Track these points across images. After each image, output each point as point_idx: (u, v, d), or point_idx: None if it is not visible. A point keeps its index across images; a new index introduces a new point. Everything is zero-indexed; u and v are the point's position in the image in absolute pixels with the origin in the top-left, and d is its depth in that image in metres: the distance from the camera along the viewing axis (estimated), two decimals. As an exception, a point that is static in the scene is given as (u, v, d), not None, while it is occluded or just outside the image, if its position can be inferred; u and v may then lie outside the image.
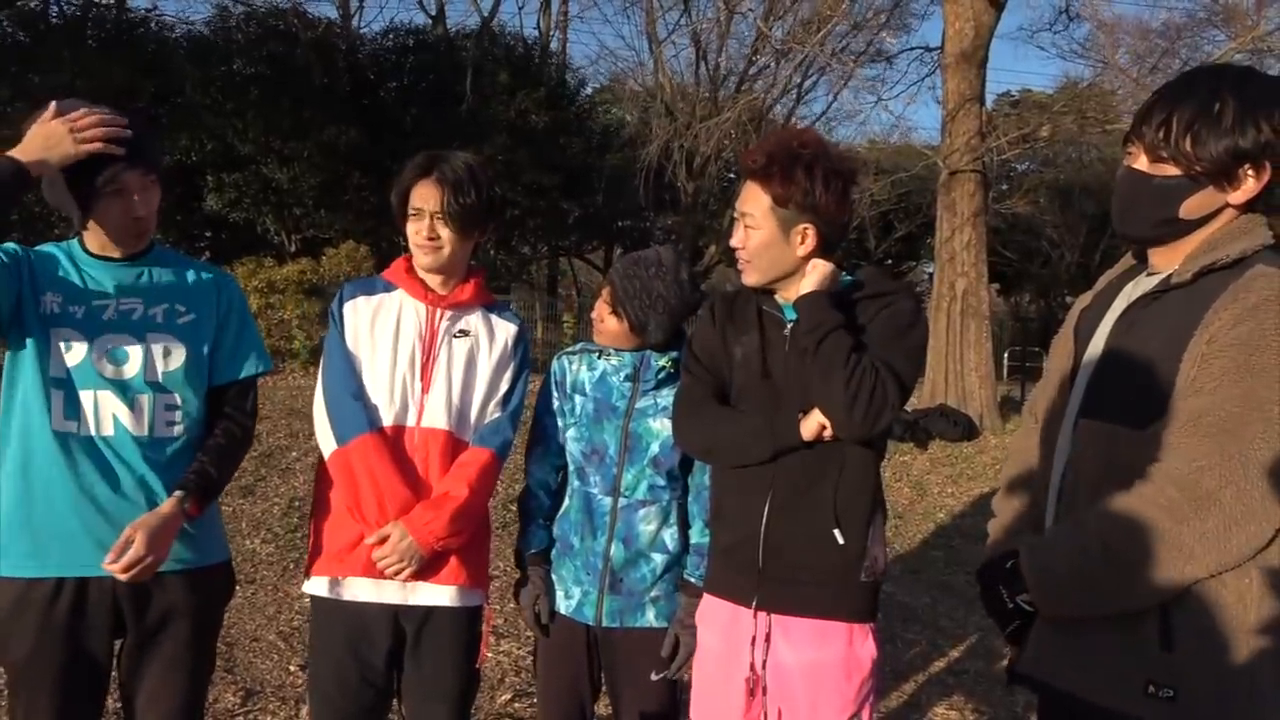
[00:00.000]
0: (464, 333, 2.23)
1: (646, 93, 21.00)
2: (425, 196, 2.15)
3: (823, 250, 1.91)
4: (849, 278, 1.96)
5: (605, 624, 2.23)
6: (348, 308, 2.22)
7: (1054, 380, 1.70)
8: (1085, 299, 1.74)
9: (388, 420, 2.14)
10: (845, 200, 1.90)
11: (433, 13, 22.07)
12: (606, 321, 2.28)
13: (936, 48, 13.12)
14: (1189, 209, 1.48)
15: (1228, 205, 1.47)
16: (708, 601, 2.08)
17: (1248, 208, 1.49)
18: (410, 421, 2.16)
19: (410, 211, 2.18)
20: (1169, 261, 1.53)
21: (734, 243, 1.95)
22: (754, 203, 1.89)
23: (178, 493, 1.93)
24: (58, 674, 1.90)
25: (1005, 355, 19.22)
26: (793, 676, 1.93)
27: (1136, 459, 1.44)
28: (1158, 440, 1.42)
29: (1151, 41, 17.74)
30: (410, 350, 2.18)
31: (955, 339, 10.98)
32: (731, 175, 22.99)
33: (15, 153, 1.76)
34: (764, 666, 1.94)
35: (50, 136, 1.77)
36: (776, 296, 1.99)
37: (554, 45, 23.00)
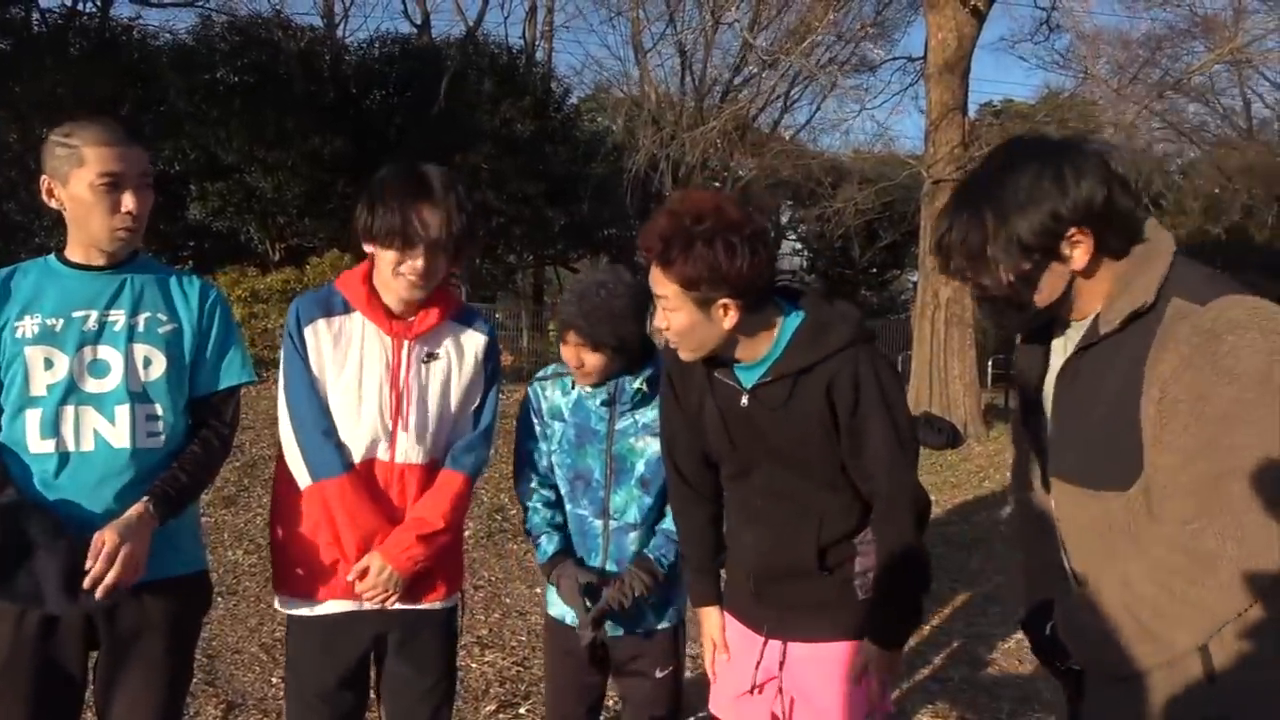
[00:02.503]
0: (432, 356, 2.14)
1: (632, 102, 21.04)
2: (429, 224, 1.98)
3: (751, 309, 1.80)
4: (794, 315, 1.85)
5: (608, 633, 2.26)
6: (308, 332, 2.09)
7: (1018, 427, 1.71)
8: (1018, 339, 1.73)
9: (358, 456, 2.08)
10: (756, 260, 1.75)
11: (418, 22, 22.08)
12: (588, 362, 2.19)
13: (919, 58, 13.22)
14: (1042, 298, 1.48)
15: (1076, 274, 1.45)
16: (726, 615, 2.12)
17: (1103, 256, 1.45)
18: (383, 455, 2.10)
19: (409, 243, 1.99)
20: (1086, 308, 1.51)
21: (657, 322, 1.86)
22: (663, 286, 1.78)
23: (145, 499, 1.90)
24: (31, 686, 1.88)
25: (989, 363, 19.29)
26: (808, 668, 1.96)
27: (1132, 518, 1.45)
28: (1146, 499, 1.43)
29: (1132, 52, 17.91)
30: (378, 382, 2.09)
31: (939, 347, 11.03)
32: (717, 184, 23.05)
33: None
34: (781, 668, 1.97)
35: None
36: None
37: (539, 54, 23.04)
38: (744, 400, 1.87)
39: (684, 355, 1.87)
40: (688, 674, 2.51)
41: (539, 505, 2.32)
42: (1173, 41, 17.95)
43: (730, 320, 1.78)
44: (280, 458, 2.16)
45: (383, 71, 17.84)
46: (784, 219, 27.96)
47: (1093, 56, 14.75)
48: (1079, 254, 1.42)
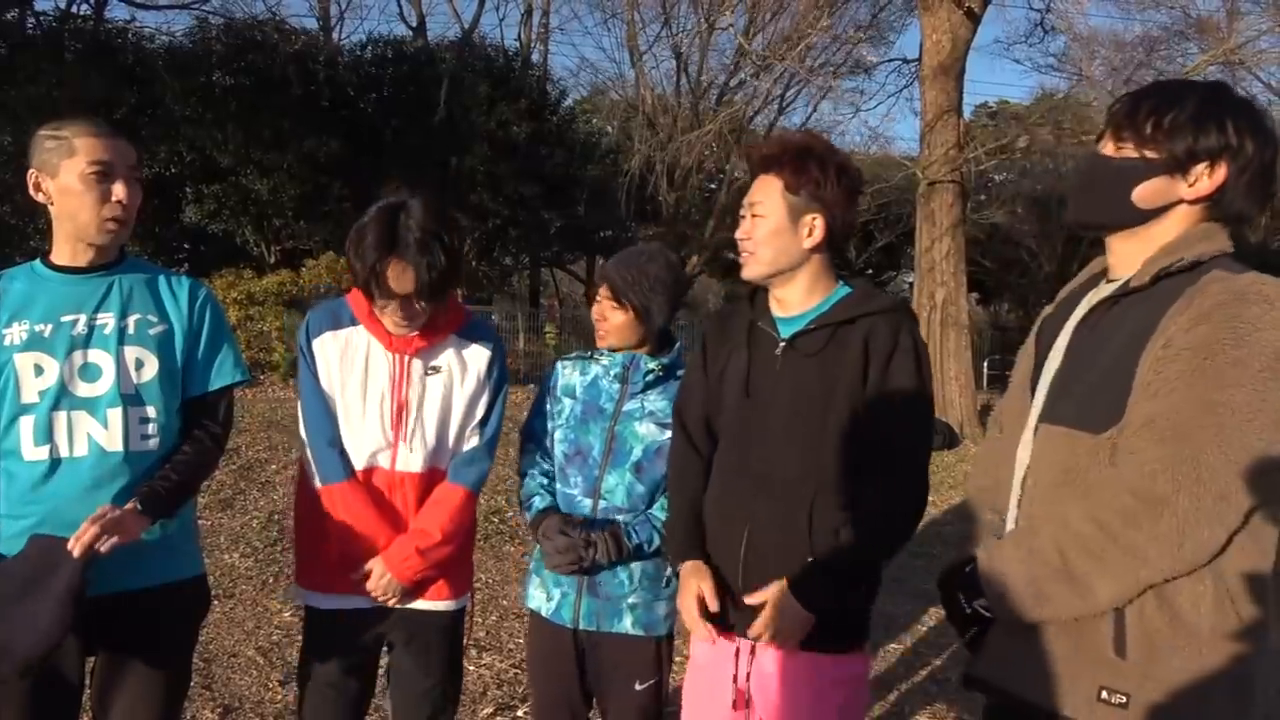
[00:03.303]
0: (436, 369, 2.20)
1: (627, 104, 21.08)
2: (399, 279, 2.02)
3: (827, 248, 1.92)
4: (845, 288, 1.97)
5: (582, 625, 2.24)
6: (316, 345, 2.18)
7: (1017, 388, 1.71)
8: (1049, 308, 1.77)
9: (360, 464, 2.16)
10: (852, 199, 1.93)
11: (413, 25, 22.10)
12: (610, 318, 2.27)
13: (914, 60, 13.25)
14: (1142, 195, 1.50)
15: (1181, 201, 1.49)
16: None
17: (1205, 209, 1.51)
18: (384, 464, 2.16)
19: (383, 294, 2.05)
20: (1127, 265, 1.55)
21: (739, 234, 1.95)
22: (764, 190, 1.91)
23: (134, 498, 1.89)
24: (28, 691, 1.87)
25: (985, 364, 19.35)
26: (778, 688, 1.92)
27: (1092, 464, 1.45)
28: (1113, 445, 1.43)
29: (1126, 54, 17.96)
30: (380, 396, 2.16)
31: (935, 348, 11.05)
32: (713, 186, 23.07)
33: None
34: (749, 679, 1.93)
35: None
36: (773, 304, 1.98)
37: (535, 57, 23.06)
38: (778, 349, 1.92)
39: (752, 269, 1.94)
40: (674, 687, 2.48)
41: (537, 474, 2.35)
42: (1167, 43, 18.01)
43: (812, 240, 1.89)
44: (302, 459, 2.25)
45: (378, 74, 17.85)
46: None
47: (1087, 58, 14.81)
48: (1204, 183, 1.47)
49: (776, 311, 1.97)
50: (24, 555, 1.81)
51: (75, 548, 1.76)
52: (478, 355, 2.24)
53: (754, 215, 1.92)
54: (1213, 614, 1.38)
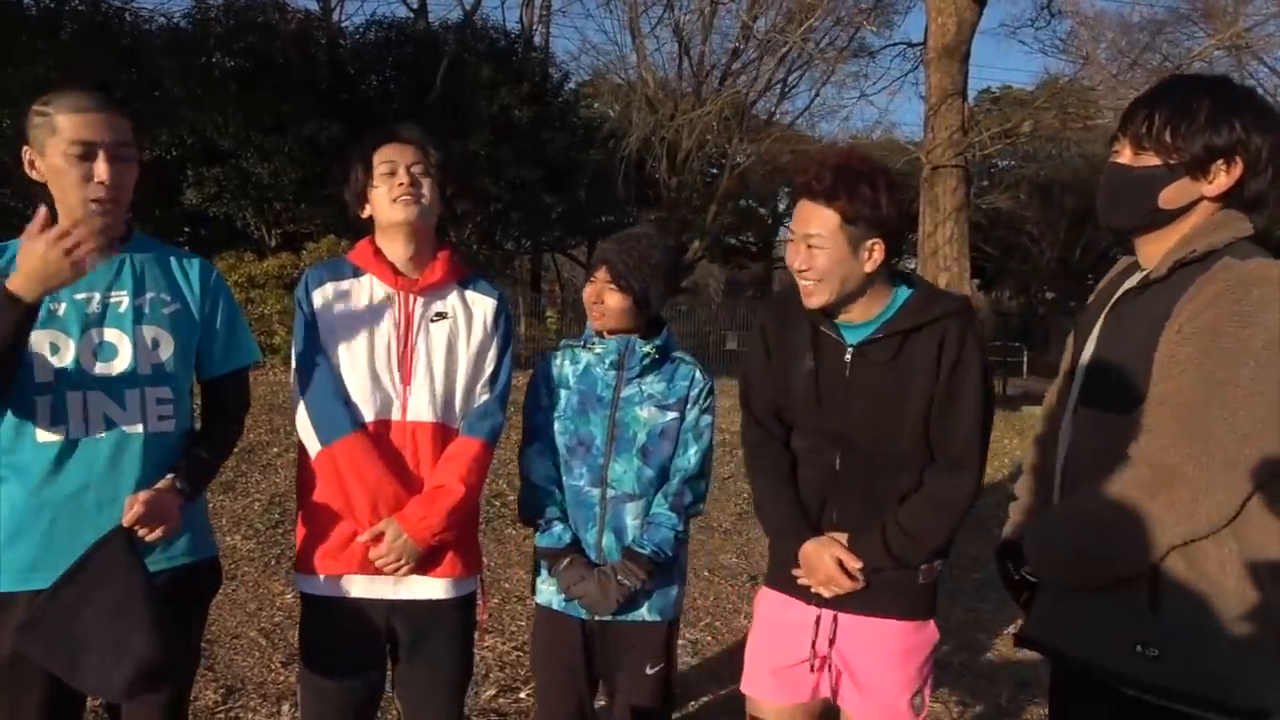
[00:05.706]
0: (441, 315, 2.15)
1: (629, 87, 20.95)
2: (395, 152, 2.11)
3: (888, 259, 1.93)
4: (907, 289, 1.98)
5: (599, 617, 2.23)
6: (316, 295, 2.13)
7: (1062, 375, 1.85)
8: (1092, 298, 1.89)
9: (370, 416, 2.08)
10: (904, 211, 1.97)
11: (415, 6, 21.97)
12: (608, 301, 2.24)
13: (919, 43, 13.18)
14: (1167, 198, 1.60)
15: (1203, 198, 1.60)
16: (773, 594, 2.12)
17: (1224, 201, 1.60)
18: (395, 415, 2.09)
19: (380, 171, 2.10)
20: (1154, 257, 1.65)
21: (796, 265, 1.92)
22: (820, 223, 1.88)
23: (170, 475, 1.89)
24: (38, 673, 1.84)
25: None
26: (858, 644, 2.00)
27: (1124, 443, 1.57)
28: (1139, 424, 1.56)
29: (1132, 37, 17.85)
30: (386, 341, 2.10)
31: (937, 333, 11.03)
32: (715, 171, 22.97)
33: (13, 286, 1.70)
34: (831, 644, 2.01)
35: (48, 267, 1.70)
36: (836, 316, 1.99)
37: (536, 39, 22.92)
38: (847, 356, 1.94)
39: (815, 299, 1.93)
40: (689, 664, 2.50)
41: (546, 483, 2.30)
42: (1173, 26, 17.90)
43: (873, 263, 1.90)
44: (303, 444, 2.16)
45: (380, 56, 17.73)
46: (781, 206, 27.95)
47: (1093, 42, 14.72)
48: (1222, 179, 1.57)
49: (839, 317, 1.98)
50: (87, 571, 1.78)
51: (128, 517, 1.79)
52: (483, 303, 2.20)
53: (810, 246, 1.89)
54: (1237, 576, 1.50)
